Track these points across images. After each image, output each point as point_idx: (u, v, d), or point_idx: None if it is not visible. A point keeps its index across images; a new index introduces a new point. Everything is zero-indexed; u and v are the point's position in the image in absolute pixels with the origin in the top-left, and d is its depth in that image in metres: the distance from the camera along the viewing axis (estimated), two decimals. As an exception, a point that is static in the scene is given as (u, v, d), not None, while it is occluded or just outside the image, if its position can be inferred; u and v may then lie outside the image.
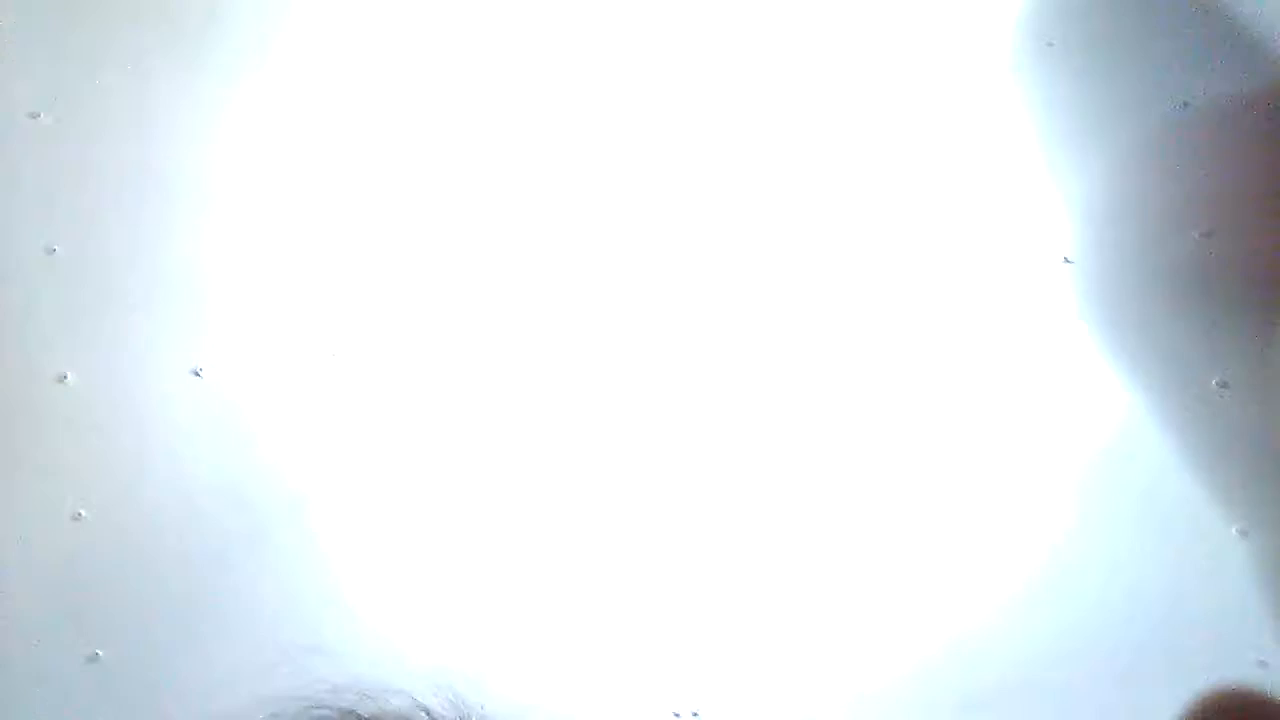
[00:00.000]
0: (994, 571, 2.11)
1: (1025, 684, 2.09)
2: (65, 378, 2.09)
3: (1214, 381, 2.13)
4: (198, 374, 2.10)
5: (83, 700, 2.04)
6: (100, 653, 2.06)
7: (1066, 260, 2.15)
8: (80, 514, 2.08)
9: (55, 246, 2.12)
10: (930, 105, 2.21)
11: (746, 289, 2.15)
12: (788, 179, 2.20)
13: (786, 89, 2.24)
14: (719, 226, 2.17)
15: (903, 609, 2.08)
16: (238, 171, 2.17)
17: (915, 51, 2.23)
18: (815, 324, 2.15)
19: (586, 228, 2.18)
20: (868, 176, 2.20)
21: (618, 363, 2.14)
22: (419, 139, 2.20)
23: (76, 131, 2.16)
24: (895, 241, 2.19)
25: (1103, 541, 2.12)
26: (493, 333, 2.15)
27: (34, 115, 2.15)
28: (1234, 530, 2.13)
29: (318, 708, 0.73)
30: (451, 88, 2.23)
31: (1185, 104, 2.18)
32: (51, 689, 2.05)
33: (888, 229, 2.19)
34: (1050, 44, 2.21)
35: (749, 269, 2.16)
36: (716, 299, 2.14)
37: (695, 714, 2.03)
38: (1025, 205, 2.18)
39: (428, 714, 0.74)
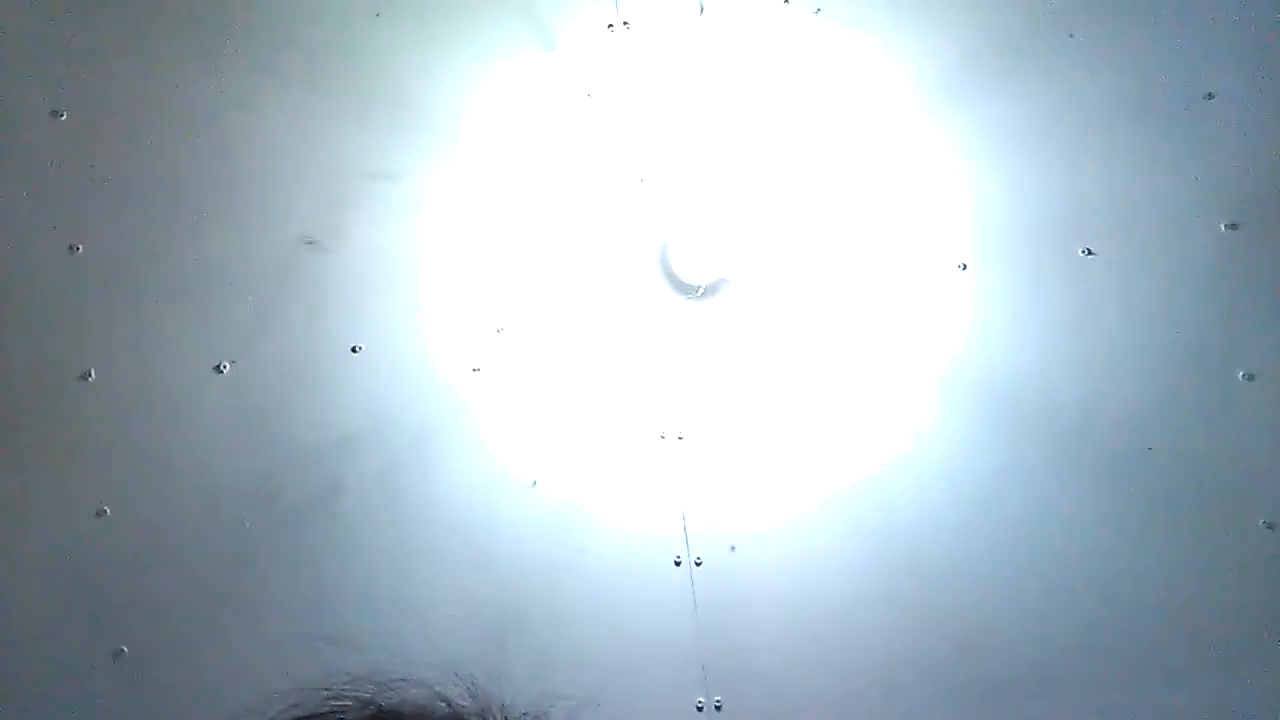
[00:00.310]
0: (1012, 562, 2.11)
1: (1052, 677, 2.08)
2: (88, 375, 2.10)
3: (1240, 373, 2.12)
4: (220, 370, 2.11)
5: (107, 695, 2.06)
6: (125, 649, 2.08)
7: (1089, 252, 2.14)
8: (104, 510, 2.09)
9: (78, 245, 2.13)
10: (950, 97, 2.19)
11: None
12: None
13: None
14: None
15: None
16: (260, 170, 2.18)
17: (929, 43, 2.22)
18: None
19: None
20: (886, 166, 2.20)
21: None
22: (420, 136, 2.21)
23: (99, 130, 2.16)
24: (902, 237, 2.18)
25: (1128, 533, 2.11)
26: (494, 329, 2.16)
27: (56, 114, 2.15)
28: (1261, 522, 2.12)
29: (338, 698, 0.73)
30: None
31: (1210, 95, 2.16)
32: (77, 684, 2.07)
33: (902, 223, 2.19)
34: (1072, 35, 2.19)
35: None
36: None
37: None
38: (1045, 196, 2.17)
39: (448, 704, 0.74)
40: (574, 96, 2.20)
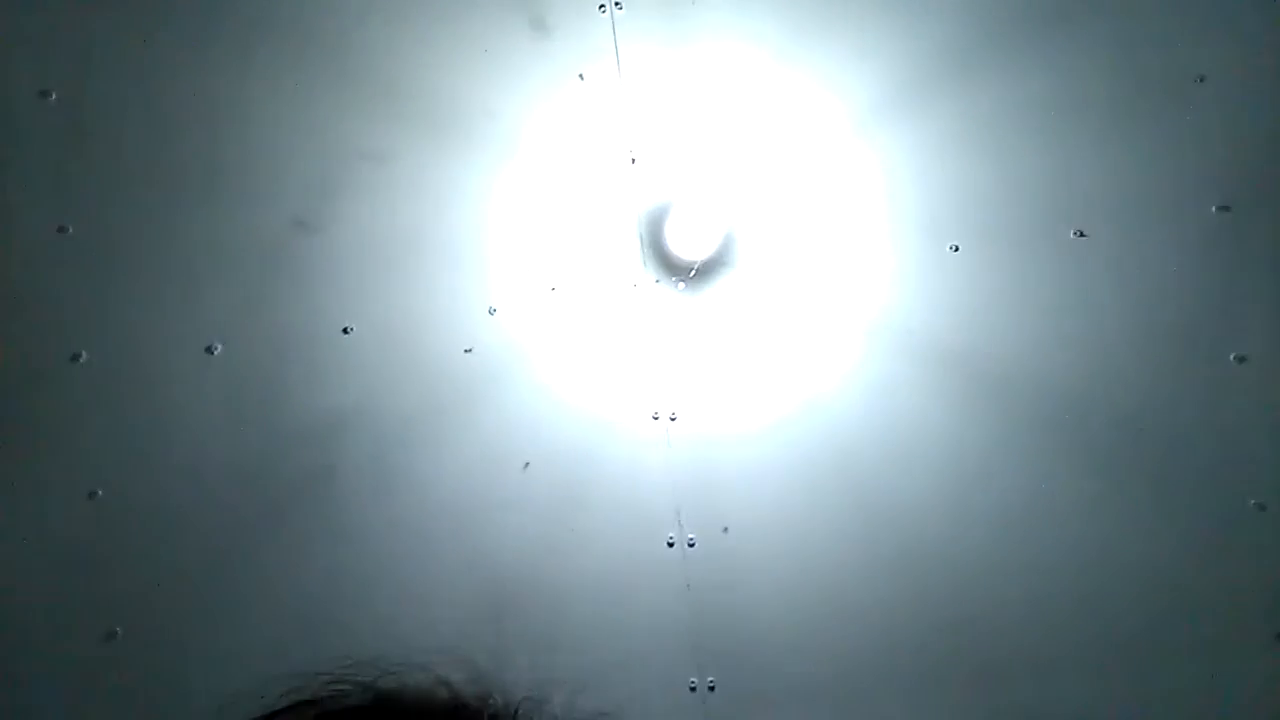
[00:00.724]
0: (1006, 548, 2.12)
1: (1043, 658, 2.09)
2: (79, 357, 2.10)
3: (1231, 355, 2.12)
4: (211, 351, 2.10)
5: (101, 677, 2.06)
6: (118, 630, 2.08)
7: (1081, 234, 2.14)
8: (97, 492, 2.09)
9: (67, 226, 2.12)
10: (941, 79, 2.19)
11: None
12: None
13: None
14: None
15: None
16: (249, 151, 2.17)
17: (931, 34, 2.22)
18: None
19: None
20: (884, 149, 2.19)
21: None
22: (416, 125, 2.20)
23: (86, 110, 2.15)
24: (894, 219, 2.18)
25: (1119, 514, 2.11)
26: (492, 316, 2.16)
27: (44, 94, 2.14)
28: (1252, 503, 2.13)
29: (337, 682, 0.72)
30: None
31: (1201, 78, 2.16)
32: (70, 666, 2.07)
33: (900, 209, 2.19)
34: (1067, 19, 2.19)
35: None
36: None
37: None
38: (1037, 178, 2.17)
39: (448, 688, 0.74)
40: (566, 77, 2.20)
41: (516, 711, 0.74)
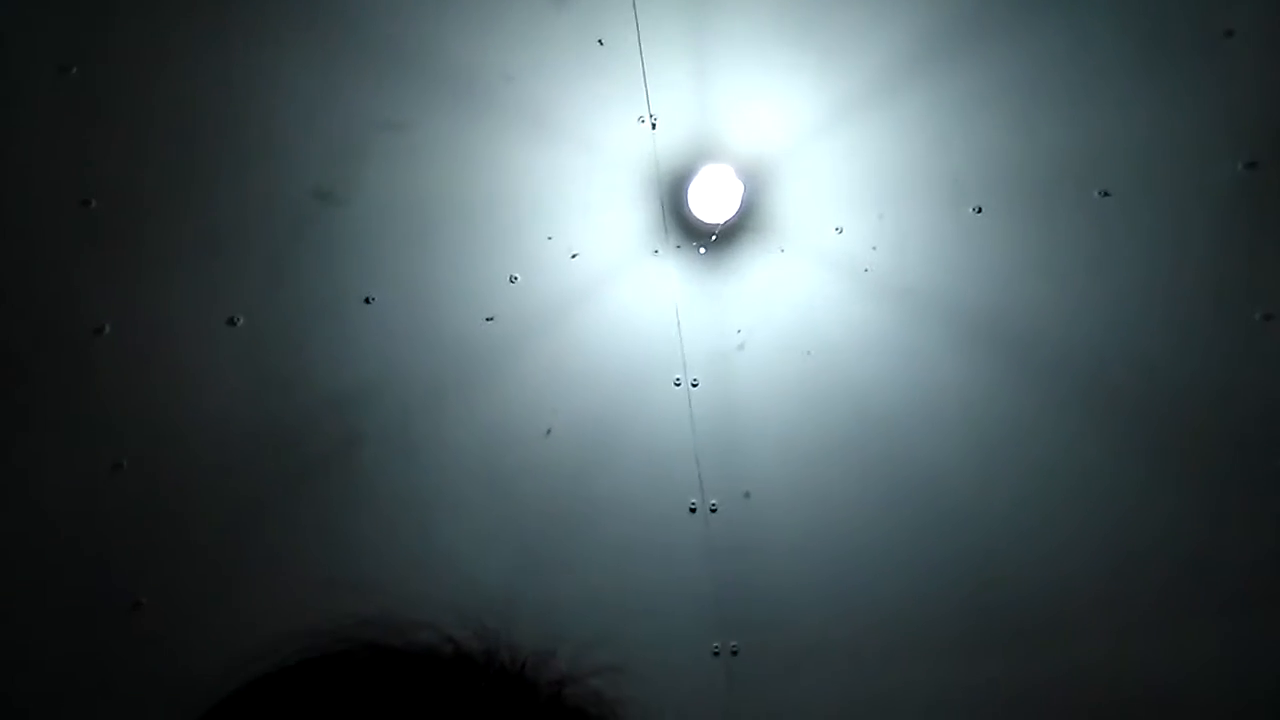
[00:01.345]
0: (1029, 510, 2.11)
1: (1067, 619, 2.09)
2: (103, 330, 2.11)
3: (1257, 314, 2.10)
4: (234, 323, 2.11)
5: (126, 647, 2.08)
6: (143, 600, 2.10)
7: (1106, 193, 2.12)
8: (121, 463, 2.11)
9: (90, 199, 2.13)
10: (965, 39, 2.17)
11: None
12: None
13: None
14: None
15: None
16: (271, 122, 2.16)
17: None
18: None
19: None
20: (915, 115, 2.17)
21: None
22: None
23: (107, 84, 2.15)
24: (917, 181, 2.17)
25: (1145, 473, 2.10)
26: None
27: (65, 69, 2.14)
28: (1278, 464, 2.11)
29: (345, 641, 0.73)
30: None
31: (1229, 32, 2.13)
32: (96, 636, 2.09)
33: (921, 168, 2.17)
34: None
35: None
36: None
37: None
38: (1061, 137, 2.14)
39: (454, 645, 0.74)
40: (586, 43, 2.19)
41: (523, 666, 0.74)
